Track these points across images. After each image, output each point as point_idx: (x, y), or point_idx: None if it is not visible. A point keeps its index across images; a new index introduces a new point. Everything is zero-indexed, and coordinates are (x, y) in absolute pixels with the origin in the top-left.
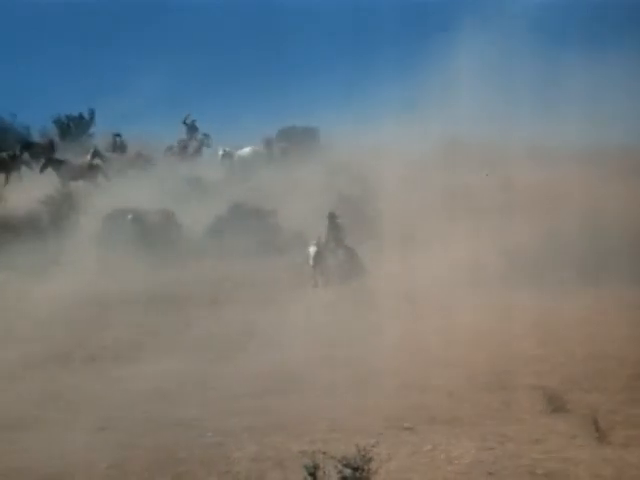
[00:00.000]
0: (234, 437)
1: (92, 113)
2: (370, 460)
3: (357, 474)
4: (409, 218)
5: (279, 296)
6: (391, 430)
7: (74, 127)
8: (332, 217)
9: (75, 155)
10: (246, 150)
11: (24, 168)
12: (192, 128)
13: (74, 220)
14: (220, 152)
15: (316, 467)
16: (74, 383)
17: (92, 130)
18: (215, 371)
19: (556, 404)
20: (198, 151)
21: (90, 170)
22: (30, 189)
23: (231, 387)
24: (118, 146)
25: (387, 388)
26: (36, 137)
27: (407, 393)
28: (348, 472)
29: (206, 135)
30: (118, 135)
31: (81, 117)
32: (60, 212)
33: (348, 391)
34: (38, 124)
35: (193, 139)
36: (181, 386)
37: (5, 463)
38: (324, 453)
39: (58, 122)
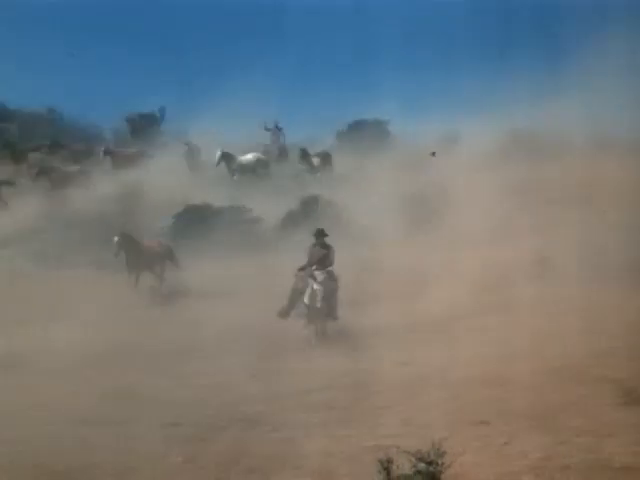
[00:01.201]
0: (304, 431)
1: (162, 110)
2: (444, 454)
3: (431, 468)
4: (478, 211)
5: None
6: (465, 424)
7: (146, 125)
8: (319, 235)
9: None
10: (248, 157)
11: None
12: (276, 132)
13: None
14: (218, 153)
15: (390, 461)
16: (142, 379)
17: (163, 127)
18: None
19: (631, 397)
20: (283, 154)
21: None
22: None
23: (299, 382)
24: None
25: (462, 382)
26: (109, 136)
27: (482, 387)
28: (422, 466)
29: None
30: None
31: (152, 115)
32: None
33: (421, 385)
34: (109, 123)
35: (278, 142)
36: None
37: (80, 459)
38: (397, 447)
39: (130, 120)
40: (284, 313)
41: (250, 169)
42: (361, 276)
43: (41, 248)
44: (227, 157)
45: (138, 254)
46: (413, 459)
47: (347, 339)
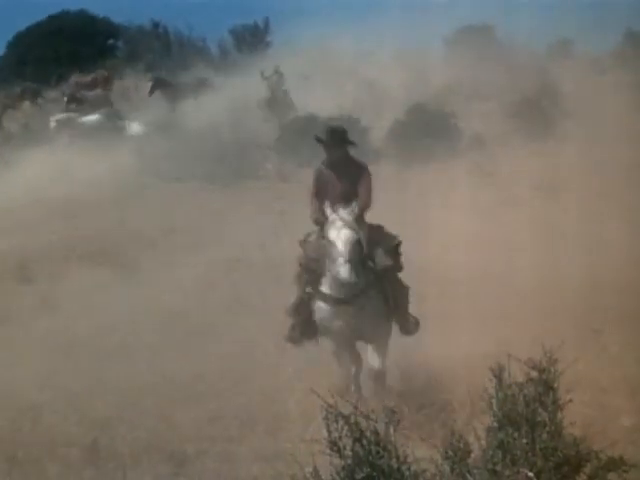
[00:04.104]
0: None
1: (267, 22)
2: (556, 362)
3: (543, 376)
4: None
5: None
6: (578, 332)
7: (250, 37)
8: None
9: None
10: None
11: None
12: None
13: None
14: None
15: (501, 369)
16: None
17: (269, 39)
18: None
19: None
20: None
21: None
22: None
23: None
24: None
25: (575, 289)
26: (214, 49)
27: (595, 294)
28: (534, 374)
29: None
30: None
31: (256, 26)
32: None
33: (533, 292)
34: (214, 35)
35: None
36: None
37: (201, 367)
38: (509, 355)
39: (234, 32)
40: (294, 337)
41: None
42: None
43: (157, 162)
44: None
45: None
46: (525, 367)
47: None
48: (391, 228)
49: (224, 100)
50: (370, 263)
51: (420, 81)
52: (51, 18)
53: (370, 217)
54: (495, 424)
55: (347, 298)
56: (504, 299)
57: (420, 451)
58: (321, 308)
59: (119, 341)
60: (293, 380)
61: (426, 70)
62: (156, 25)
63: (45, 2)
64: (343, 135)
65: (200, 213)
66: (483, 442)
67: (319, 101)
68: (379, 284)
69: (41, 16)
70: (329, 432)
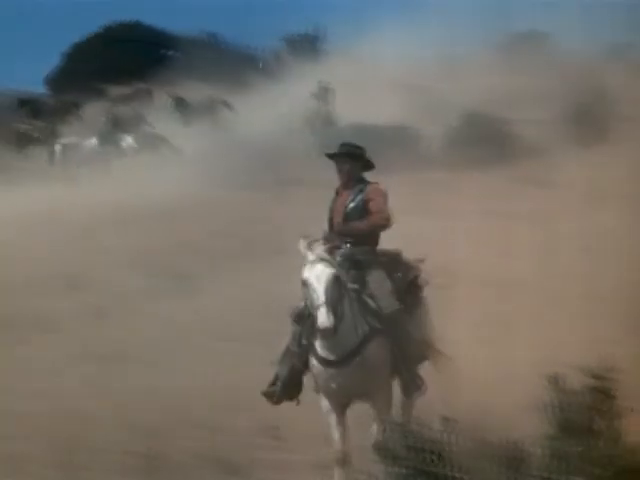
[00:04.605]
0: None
1: (321, 29)
2: (613, 369)
3: (601, 384)
4: None
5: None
6: (630, 338)
7: (305, 44)
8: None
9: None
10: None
11: None
12: None
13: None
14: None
15: (557, 376)
16: None
17: (323, 47)
18: None
19: None
20: None
21: None
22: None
23: None
24: None
25: (628, 298)
26: (267, 55)
27: None
28: (592, 382)
29: None
30: None
31: (310, 34)
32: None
33: (585, 300)
34: (268, 44)
35: None
36: None
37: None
38: (566, 363)
39: (288, 40)
40: (272, 394)
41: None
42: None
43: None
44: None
45: None
46: (581, 374)
47: None
48: (441, 235)
49: (276, 108)
50: (373, 304)
51: (472, 88)
52: (107, 29)
53: (420, 224)
54: (551, 432)
55: (340, 359)
56: (555, 306)
57: (479, 460)
58: (314, 366)
59: (169, 350)
60: None
61: (478, 77)
62: (211, 35)
63: (100, 13)
64: (354, 150)
65: (251, 221)
66: (539, 450)
67: (371, 109)
68: (385, 331)
69: (97, 27)
70: (385, 440)
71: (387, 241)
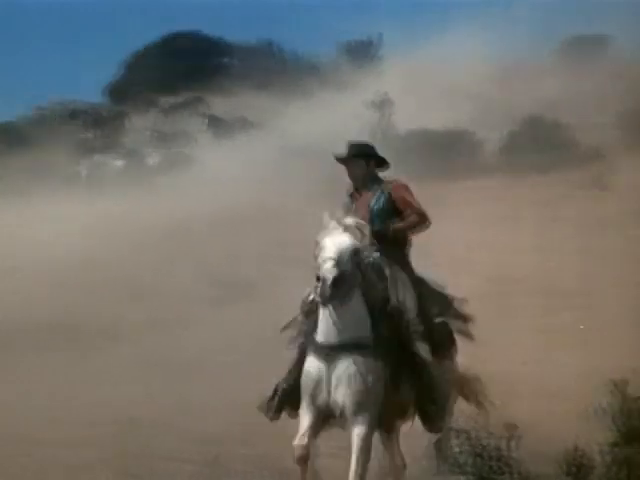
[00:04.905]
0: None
1: (380, 36)
2: None
3: None
4: None
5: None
6: None
7: (362, 51)
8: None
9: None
10: None
11: None
12: None
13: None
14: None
15: (624, 383)
16: None
17: (381, 53)
18: None
19: None
20: None
21: None
22: None
23: None
24: None
25: None
26: (324, 62)
27: None
28: None
29: None
30: None
31: (368, 41)
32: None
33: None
34: (323, 49)
35: None
36: None
37: None
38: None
39: (345, 46)
40: (268, 408)
41: None
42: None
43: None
44: None
45: None
46: None
47: None
48: (501, 239)
49: (334, 115)
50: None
51: (532, 92)
52: (166, 39)
53: (482, 231)
54: (614, 439)
55: (332, 346)
56: (619, 314)
57: (541, 467)
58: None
59: (230, 360)
60: None
61: (537, 81)
62: (269, 43)
63: (159, 22)
64: (367, 150)
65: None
66: (607, 457)
67: (429, 115)
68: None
69: (155, 37)
70: (450, 447)
71: (446, 248)
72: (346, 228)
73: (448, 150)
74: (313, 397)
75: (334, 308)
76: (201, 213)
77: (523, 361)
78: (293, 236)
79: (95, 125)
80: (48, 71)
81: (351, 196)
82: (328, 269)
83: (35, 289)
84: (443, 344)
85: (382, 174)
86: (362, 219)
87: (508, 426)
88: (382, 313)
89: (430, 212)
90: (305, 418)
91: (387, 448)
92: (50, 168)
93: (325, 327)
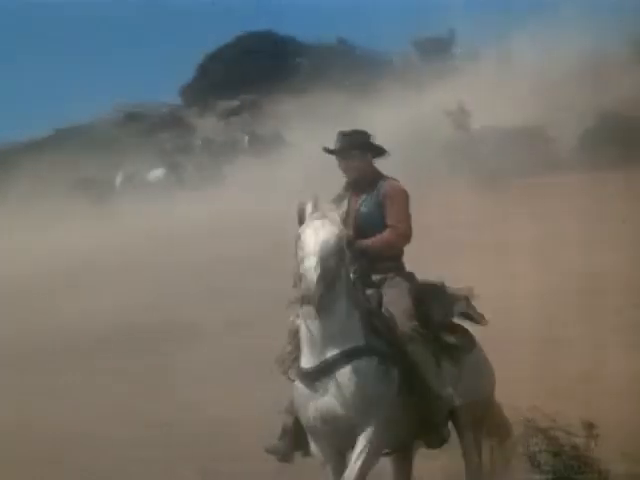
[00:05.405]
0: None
1: (452, 33)
2: None
3: None
4: None
5: None
6: None
7: (435, 48)
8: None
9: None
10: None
11: None
12: None
13: None
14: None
15: None
16: None
17: (455, 50)
18: None
19: None
20: None
21: None
22: None
23: None
24: None
25: None
26: (398, 60)
27: None
28: None
29: None
30: None
31: (441, 37)
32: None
33: None
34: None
35: None
36: None
37: None
38: None
39: (417, 44)
40: (279, 449)
41: None
42: None
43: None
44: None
45: None
46: None
47: None
48: (578, 238)
49: (409, 112)
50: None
51: (608, 87)
52: (238, 39)
53: (558, 228)
54: None
55: (316, 368)
56: None
57: (625, 467)
58: (296, 388)
59: None
60: None
61: (614, 76)
62: (341, 41)
63: (232, 24)
64: (358, 139)
65: None
66: None
67: (504, 111)
68: (385, 354)
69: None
70: (527, 446)
71: (517, 249)
72: (330, 219)
73: (523, 147)
74: (317, 436)
75: (317, 319)
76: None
77: (605, 360)
78: None
79: (162, 128)
80: (126, 73)
81: (345, 195)
82: (312, 266)
83: (119, 292)
84: (456, 347)
85: (386, 172)
86: (351, 221)
87: (586, 425)
88: (374, 313)
89: (509, 210)
90: (327, 470)
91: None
92: (126, 170)
93: (309, 348)
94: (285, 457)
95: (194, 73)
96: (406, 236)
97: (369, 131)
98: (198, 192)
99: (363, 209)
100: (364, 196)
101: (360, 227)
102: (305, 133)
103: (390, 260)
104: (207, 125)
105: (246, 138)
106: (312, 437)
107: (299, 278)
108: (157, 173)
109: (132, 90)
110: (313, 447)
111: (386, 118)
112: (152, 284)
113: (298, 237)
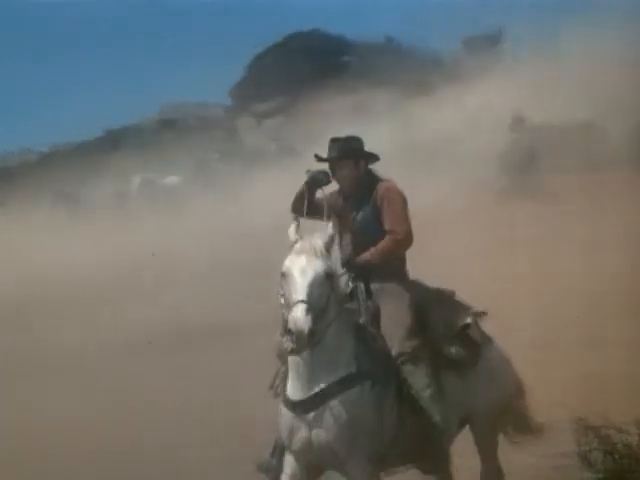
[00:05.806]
0: None
1: (500, 29)
2: None
3: None
4: None
5: None
6: None
7: (485, 45)
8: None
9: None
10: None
11: None
12: None
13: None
14: None
15: None
16: None
17: (502, 46)
18: None
19: None
20: None
21: None
22: None
23: None
24: None
25: None
26: (447, 58)
27: None
28: None
29: None
30: None
31: (489, 35)
32: None
33: None
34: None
35: None
36: None
37: None
38: None
39: (468, 41)
40: (268, 467)
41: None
42: None
43: None
44: None
45: None
46: None
47: None
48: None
49: (459, 111)
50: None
51: None
52: (286, 39)
53: (609, 227)
54: None
55: (305, 399)
56: None
57: None
58: (281, 415)
59: None
60: None
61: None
62: (389, 39)
63: (279, 23)
64: (355, 145)
65: None
66: None
67: (555, 108)
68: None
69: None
70: (579, 445)
71: (566, 248)
72: (315, 251)
73: (574, 144)
74: (296, 453)
75: (306, 354)
76: None
77: None
78: None
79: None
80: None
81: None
82: (301, 319)
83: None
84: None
85: (379, 173)
86: (346, 230)
87: (639, 423)
88: (366, 334)
89: (567, 208)
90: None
91: None
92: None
93: (296, 379)
94: (276, 476)
95: (243, 73)
96: (406, 240)
97: (423, 128)
98: (231, 194)
99: (359, 218)
100: (360, 203)
101: (358, 236)
102: (353, 131)
103: (390, 267)
104: (249, 125)
105: (275, 144)
106: (294, 457)
107: (286, 328)
108: (179, 177)
109: (181, 91)
110: (289, 462)
111: (438, 115)
112: (186, 287)
113: (283, 275)
